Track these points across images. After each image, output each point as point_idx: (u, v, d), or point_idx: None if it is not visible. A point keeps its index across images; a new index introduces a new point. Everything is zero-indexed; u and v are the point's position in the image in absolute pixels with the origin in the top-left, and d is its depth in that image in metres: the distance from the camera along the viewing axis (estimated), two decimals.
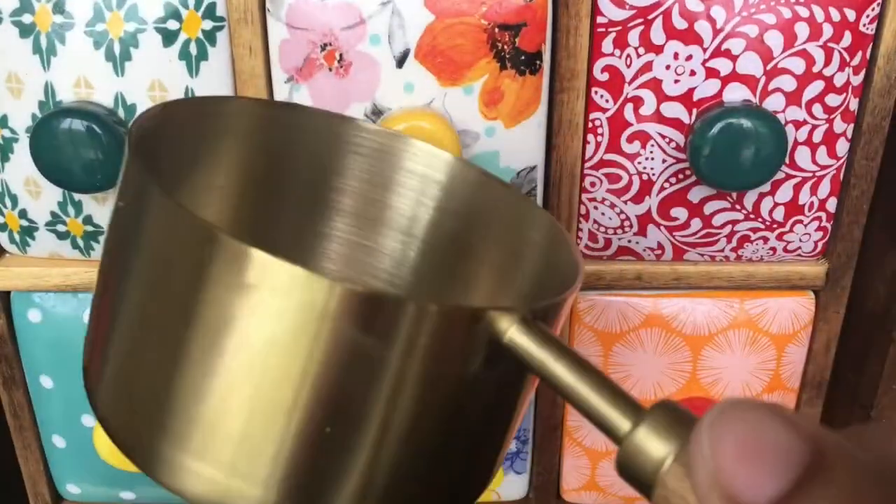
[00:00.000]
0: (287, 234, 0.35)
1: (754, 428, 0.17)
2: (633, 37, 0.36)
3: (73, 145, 0.36)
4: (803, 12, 0.36)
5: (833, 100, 0.37)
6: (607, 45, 0.37)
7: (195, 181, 0.32)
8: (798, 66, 0.36)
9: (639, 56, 0.37)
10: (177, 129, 0.30)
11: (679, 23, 0.36)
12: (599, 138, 0.38)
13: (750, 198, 0.39)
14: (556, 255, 0.31)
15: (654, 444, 0.21)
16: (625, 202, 0.39)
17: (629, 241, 0.41)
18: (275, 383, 0.23)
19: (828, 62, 0.37)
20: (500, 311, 0.23)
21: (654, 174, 0.39)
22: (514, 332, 0.23)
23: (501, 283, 0.33)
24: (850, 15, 0.36)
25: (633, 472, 0.21)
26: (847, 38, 0.36)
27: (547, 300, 0.26)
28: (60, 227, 0.40)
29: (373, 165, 0.35)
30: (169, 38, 0.36)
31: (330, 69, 0.36)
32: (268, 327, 0.22)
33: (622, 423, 0.22)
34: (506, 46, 0.36)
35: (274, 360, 0.22)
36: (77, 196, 0.39)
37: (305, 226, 0.35)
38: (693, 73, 0.37)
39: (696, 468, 0.17)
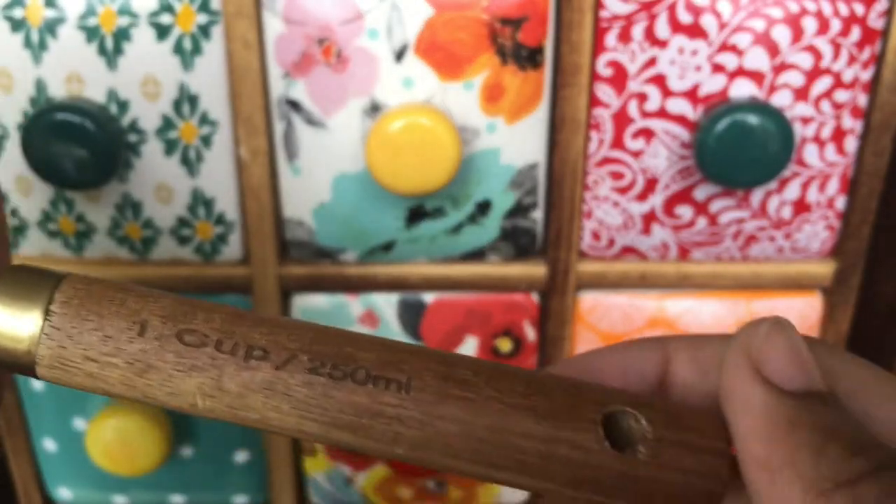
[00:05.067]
0: None
1: (801, 344, 0.20)
2: (638, 31, 0.36)
3: (65, 142, 0.36)
4: (811, 6, 0.35)
5: (841, 96, 0.37)
6: (611, 39, 0.36)
7: None
8: (806, 61, 0.36)
9: (643, 51, 0.36)
10: None
11: (684, 17, 0.35)
12: (603, 135, 0.38)
13: (757, 196, 0.39)
14: None
15: (14, 321, 0.19)
16: (629, 200, 0.39)
17: (633, 240, 0.40)
18: None
19: (836, 57, 0.36)
20: None
21: (658, 172, 0.38)
22: None
23: None
24: (859, 9, 0.36)
25: (5, 359, 0.20)
26: (856, 33, 0.36)
27: None
28: (52, 226, 0.39)
29: None
30: (163, 32, 0.36)
31: (327, 64, 0.36)
32: None
33: None
34: (507, 41, 0.35)
35: None
36: (69, 194, 0.39)
37: None
38: (698, 68, 0.36)
39: (744, 343, 0.20)
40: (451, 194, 0.39)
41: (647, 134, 0.38)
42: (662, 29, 0.36)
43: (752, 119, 0.35)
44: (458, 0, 0.35)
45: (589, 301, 0.41)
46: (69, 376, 0.20)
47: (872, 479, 0.18)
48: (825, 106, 0.37)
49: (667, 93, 0.37)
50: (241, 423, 0.20)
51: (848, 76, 0.37)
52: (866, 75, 0.37)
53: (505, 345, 0.42)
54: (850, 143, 0.38)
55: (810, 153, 0.38)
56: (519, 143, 0.38)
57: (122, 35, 0.36)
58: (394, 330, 0.42)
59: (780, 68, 0.36)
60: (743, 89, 0.37)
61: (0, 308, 0.19)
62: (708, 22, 0.36)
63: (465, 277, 0.41)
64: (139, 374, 0.20)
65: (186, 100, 0.37)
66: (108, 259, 0.40)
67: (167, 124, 0.37)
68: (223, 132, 0.38)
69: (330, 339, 0.20)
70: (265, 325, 0.20)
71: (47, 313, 0.19)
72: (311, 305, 0.41)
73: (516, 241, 0.40)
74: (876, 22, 0.36)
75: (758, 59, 0.36)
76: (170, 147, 0.38)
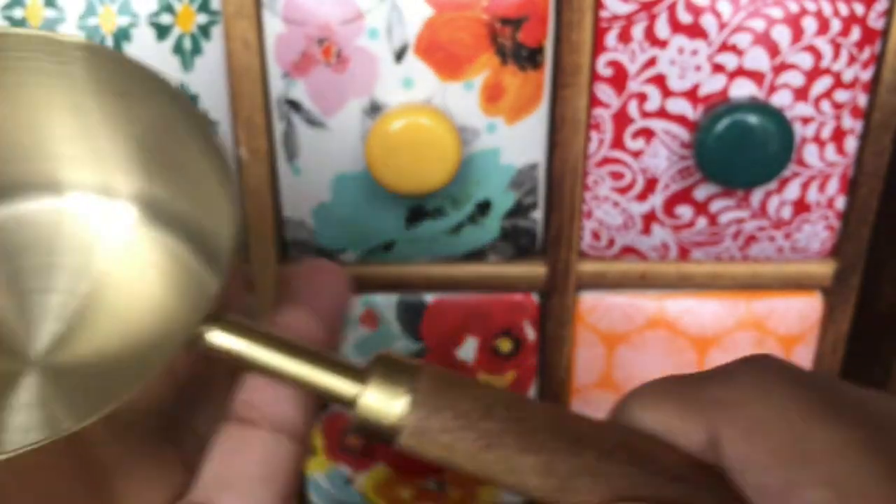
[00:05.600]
0: None
1: None
2: (638, 31, 0.36)
3: None
4: (811, 6, 0.35)
5: (841, 96, 0.37)
6: (611, 39, 0.36)
7: None
8: (806, 61, 0.36)
9: (643, 51, 0.36)
10: None
11: (684, 17, 0.35)
12: (603, 135, 0.38)
13: (757, 196, 0.39)
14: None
15: (385, 400, 0.23)
16: (629, 200, 0.39)
17: (633, 240, 0.40)
18: None
19: (836, 57, 0.36)
20: (196, 325, 0.23)
21: (658, 172, 0.38)
22: (211, 337, 0.23)
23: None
24: (859, 9, 0.36)
25: (373, 429, 0.23)
26: (856, 33, 0.36)
27: (222, 277, 0.24)
28: None
29: None
30: (163, 32, 0.36)
31: (327, 64, 0.36)
32: None
33: (349, 387, 0.23)
34: (507, 41, 0.35)
35: None
36: None
37: None
38: (698, 68, 0.36)
39: None
40: (451, 194, 0.39)
41: (647, 134, 0.38)
42: (662, 29, 0.36)
43: (752, 119, 0.35)
44: (458, 0, 0.35)
45: (589, 301, 0.41)
46: (425, 445, 0.23)
47: None
48: (825, 106, 0.37)
49: (667, 93, 0.37)
50: None
51: (848, 76, 0.37)
52: (866, 75, 0.37)
53: (505, 345, 0.42)
54: (850, 143, 0.38)
55: (810, 153, 0.38)
56: (519, 143, 0.38)
57: (122, 35, 0.36)
58: (394, 330, 0.41)
59: (780, 68, 0.36)
60: (743, 89, 0.36)
61: (375, 389, 0.23)
62: (708, 22, 0.36)
63: (465, 277, 0.41)
64: (484, 450, 0.23)
65: None
66: None
67: None
68: (223, 132, 0.37)
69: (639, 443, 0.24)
70: (583, 420, 0.24)
71: (414, 391, 0.23)
72: None
73: (516, 241, 0.40)
74: (876, 22, 0.36)
75: (758, 59, 0.36)
76: None
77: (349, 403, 0.23)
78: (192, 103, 0.26)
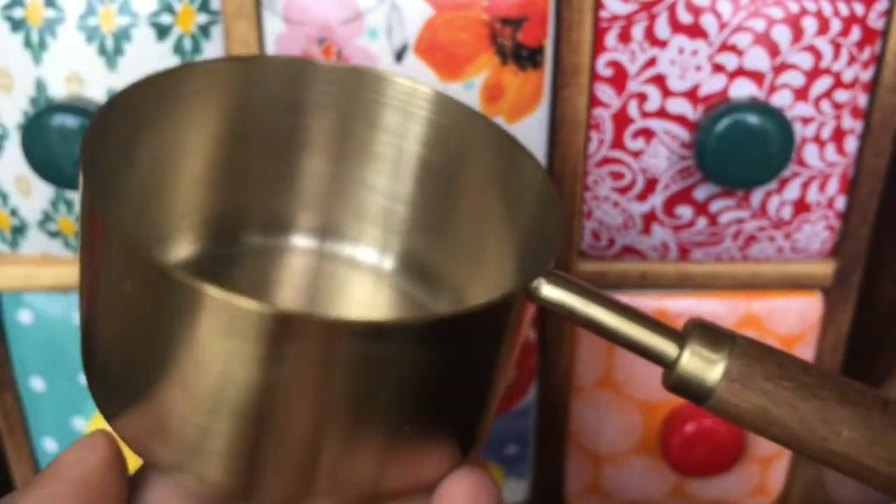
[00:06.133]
0: (265, 181, 0.33)
1: None
2: (638, 31, 0.36)
3: (65, 142, 0.35)
4: (811, 6, 0.35)
5: (841, 96, 0.37)
6: (611, 39, 0.36)
7: (166, 152, 0.31)
8: (806, 61, 0.36)
9: (643, 51, 0.36)
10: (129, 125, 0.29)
11: (684, 17, 0.35)
12: (603, 135, 0.38)
13: (757, 196, 0.38)
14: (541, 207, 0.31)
15: (703, 364, 0.25)
16: (629, 200, 0.39)
17: (633, 240, 0.40)
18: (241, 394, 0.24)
19: (836, 57, 0.36)
20: (535, 276, 0.25)
21: (658, 172, 0.38)
22: (547, 290, 0.25)
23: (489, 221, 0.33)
24: (859, 9, 0.35)
25: (689, 389, 0.25)
26: (856, 33, 0.36)
27: (551, 248, 0.27)
28: (52, 226, 0.39)
29: (344, 105, 0.33)
30: (162, 32, 0.36)
31: None
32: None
33: (670, 348, 0.25)
34: (507, 41, 0.35)
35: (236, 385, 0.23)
36: (69, 194, 0.38)
37: (283, 169, 0.33)
38: (699, 68, 0.36)
39: None
40: None
41: (647, 134, 0.38)
42: (662, 29, 0.36)
43: (752, 119, 0.35)
44: (458, 0, 0.35)
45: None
46: (745, 393, 0.25)
47: None
48: (825, 106, 0.37)
49: (667, 93, 0.37)
50: (858, 468, 0.24)
51: (848, 76, 0.37)
52: (866, 75, 0.37)
53: None
54: (850, 143, 0.38)
55: (810, 153, 0.38)
56: None
57: (122, 35, 0.35)
58: None
59: (780, 68, 0.36)
60: (743, 89, 0.36)
61: (696, 349, 0.25)
62: (708, 22, 0.36)
63: None
64: (804, 399, 0.24)
65: None
66: None
67: None
68: None
69: None
70: (884, 392, 0.25)
71: (733, 346, 0.25)
72: None
73: None
74: (876, 22, 0.36)
75: (758, 59, 0.36)
76: None
77: (670, 363, 0.25)
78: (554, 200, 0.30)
